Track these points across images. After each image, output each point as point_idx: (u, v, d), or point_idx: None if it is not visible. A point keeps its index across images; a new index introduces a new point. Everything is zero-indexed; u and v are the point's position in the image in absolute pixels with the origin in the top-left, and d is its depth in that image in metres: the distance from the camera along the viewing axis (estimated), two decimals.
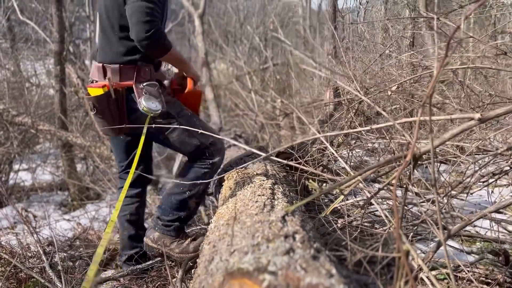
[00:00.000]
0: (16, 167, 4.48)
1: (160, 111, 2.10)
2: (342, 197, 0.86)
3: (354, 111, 2.38)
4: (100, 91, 2.07)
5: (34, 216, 2.70)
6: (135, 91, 2.12)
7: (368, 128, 1.00)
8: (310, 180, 0.85)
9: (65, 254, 2.68)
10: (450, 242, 2.40)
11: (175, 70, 2.55)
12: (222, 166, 3.14)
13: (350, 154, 2.54)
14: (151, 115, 2.10)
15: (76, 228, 3.12)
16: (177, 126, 2.16)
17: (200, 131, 2.00)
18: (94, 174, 4.50)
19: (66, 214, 3.75)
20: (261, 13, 15.68)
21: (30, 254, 2.62)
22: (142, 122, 2.12)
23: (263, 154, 1.39)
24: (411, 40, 4.56)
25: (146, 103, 2.08)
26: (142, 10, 1.94)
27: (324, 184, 2.72)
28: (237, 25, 14.90)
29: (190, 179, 2.29)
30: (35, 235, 2.45)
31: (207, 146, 2.29)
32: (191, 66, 2.45)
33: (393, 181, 0.77)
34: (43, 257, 2.34)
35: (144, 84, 2.14)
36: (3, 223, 3.23)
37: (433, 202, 1.59)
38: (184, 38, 15.98)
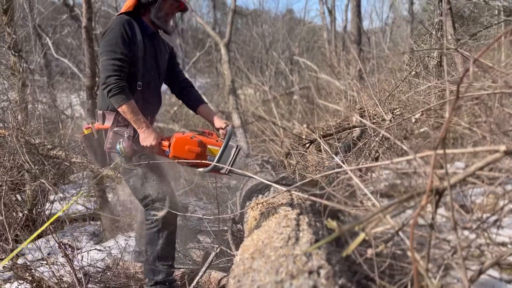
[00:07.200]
0: (51, 197, 4.60)
1: (121, 154, 2.37)
2: (363, 235, 0.84)
3: (379, 137, 2.35)
4: (85, 132, 2.51)
5: (72, 248, 2.78)
6: (108, 133, 2.44)
7: (388, 162, 0.98)
8: (329, 219, 0.83)
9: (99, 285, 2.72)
10: (488, 270, 2.28)
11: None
12: (248, 190, 3.13)
13: (376, 178, 2.49)
14: (120, 155, 2.39)
15: (107, 259, 3.17)
16: (135, 173, 2.51)
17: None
18: (125, 205, 4.59)
19: (98, 245, 3.81)
20: (286, 38, 15.87)
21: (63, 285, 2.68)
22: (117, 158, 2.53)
23: (285, 188, 1.38)
24: (438, 60, 4.47)
25: (111, 144, 2.43)
26: (106, 68, 2.30)
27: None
28: (262, 51, 15.11)
29: (147, 243, 2.55)
30: (73, 271, 2.54)
31: (153, 199, 2.50)
32: (141, 124, 2.37)
33: (412, 221, 0.75)
34: None
35: (116, 128, 2.45)
36: (36, 254, 3.32)
37: (464, 229, 1.53)
38: (212, 66, 16.33)
